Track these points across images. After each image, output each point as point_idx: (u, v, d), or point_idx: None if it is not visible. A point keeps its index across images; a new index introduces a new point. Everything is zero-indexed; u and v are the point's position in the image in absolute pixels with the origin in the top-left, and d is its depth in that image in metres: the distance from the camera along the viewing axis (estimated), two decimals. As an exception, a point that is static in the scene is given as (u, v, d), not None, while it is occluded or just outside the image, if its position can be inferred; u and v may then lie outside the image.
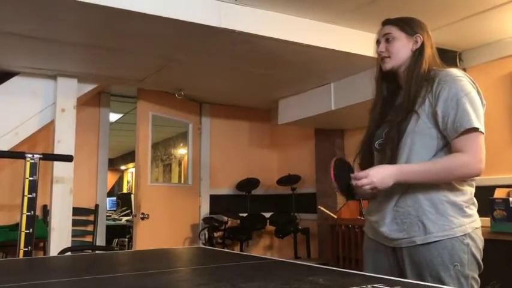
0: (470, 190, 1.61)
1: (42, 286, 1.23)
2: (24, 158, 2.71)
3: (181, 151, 7.97)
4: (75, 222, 3.80)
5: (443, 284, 1.49)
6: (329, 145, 4.74)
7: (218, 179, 5.16)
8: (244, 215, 4.90)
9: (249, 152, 5.40)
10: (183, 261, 1.89)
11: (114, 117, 5.87)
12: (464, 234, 1.54)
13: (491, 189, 2.93)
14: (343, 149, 4.72)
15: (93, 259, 2.06)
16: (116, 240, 6.67)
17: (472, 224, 1.57)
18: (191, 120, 5.00)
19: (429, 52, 1.67)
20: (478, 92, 1.60)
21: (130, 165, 11.19)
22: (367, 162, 1.74)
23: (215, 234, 4.78)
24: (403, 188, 1.60)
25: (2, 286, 1.24)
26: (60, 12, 2.52)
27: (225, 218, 4.82)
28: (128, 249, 5.90)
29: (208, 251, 2.25)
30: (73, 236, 3.70)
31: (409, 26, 1.70)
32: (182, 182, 6.68)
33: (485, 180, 3.12)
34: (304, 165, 5.04)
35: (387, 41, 1.70)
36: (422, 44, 1.67)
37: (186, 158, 5.56)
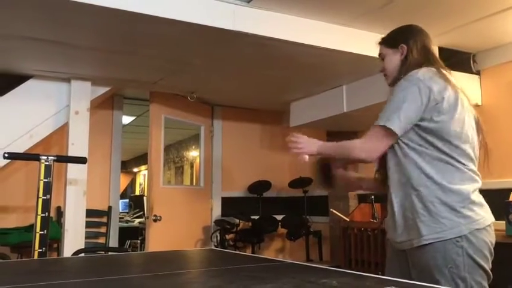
0: (466, 190, 1.58)
1: (56, 287, 1.25)
2: (38, 160, 2.74)
3: (193, 153, 8.00)
4: (88, 224, 3.83)
5: (440, 286, 1.48)
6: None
7: (230, 181, 5.16)
8: (256, 217, 4.90)
9: (261, 154, 5.39)
10: (195, 263, 1.89)
11: (127, 119, 5.91)
12: (459, 236, 1.53)
13: (507, 192, 2.89)
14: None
15: (106, 260, 2.08)
16: (128, 242, 6.71)
17: (469, 226, 1.55)
18: (203, 123, 5.02)
19: (414, 57, 1.73)
20: (429, 88, 1.60)
21: (143, 167, 11.26)
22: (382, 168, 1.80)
23: (227, 237, 4.78)
24: (403, 193, 1.64)
25: (18, 286, 1.25)
26: (74, 16, 2.55)
27: (237, 221, 4.82)
28: (141, 250, 5.93)
29: (220, 253, 2.26)
30: (86, 237, 3.74)
31: (393, 39, 1.81)
32: (194, 184, 6.70)
33: (500, 183, 3.09)
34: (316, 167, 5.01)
35: (382, 60, 1.84)
36: (407, 52, 1.75)
37: (198, 160, 5.58)
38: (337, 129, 4.68)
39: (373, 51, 3.10)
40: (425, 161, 1.60)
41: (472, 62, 3.54)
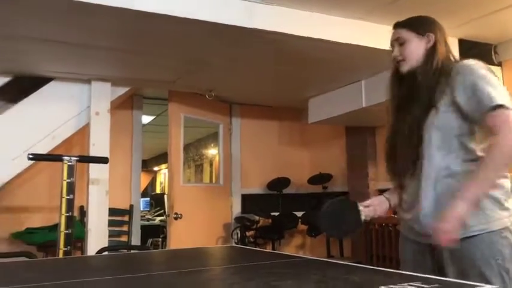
0: (506, 183, 1.58)
1: (82, 284, 1.27)
2: (61, 160, 2.79)
3: (212, 151, 8.05)
4: (110, 223, 3.90)
5: (486, 278, 1.47)
6: (361, 143, 4.68)
7: (249, 178, 5.18)
8: (276, 214, 4.91)
9: (280, 151, 5.40)
10: (216, 260, 1.91)
11: (146, 119, 5.98)
12: (503, 228, 1.52)
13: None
14: (375, 146, 4.65)
15: (129, 258, 2.11)
16: (150, 240, 6.79)
17: (511, 218, 1.55)
18: (222, 121, 5.04)
19: (442, 48, 1.68)
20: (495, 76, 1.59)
21: (163, 166, 11.37)
22: (393, 165, 1.74)
23: (247, 234, 4.80)
24: (444, 185, 1.58)
25: (45, 284, 1.29)
26: (93, 18, 2.59)
27: (257, 217, 4.84)
28: (162, 248, 5.99)
29: (241, 250, 2.27)
30: (109, 236, 3.80)
31: (419, 26, 1.72)
32: (214, 182, 6.74)
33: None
34: (335, 163, 5.00)
35: (400, 44, 1.73)
36: (435, 42, 1.68)
37: (217, 158, 5.61)
38: (356, 125, 4.65)
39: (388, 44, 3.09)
40: (472, 153, 1.57)
41: (493, 53, 3.47)
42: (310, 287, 1.03)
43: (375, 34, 3.08)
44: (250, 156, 5.22)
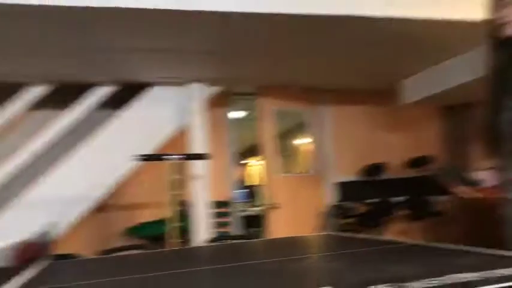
0: None
1: (195, 273, 1.39)
2: (167, 159, 3.01)
3: (302, 141, 8.07)
4: (214, 215, 4.10)
5: None
6: (459, 121, 4.43)
7: (342, 166, 5.13)
8: (373, 201, 4.82)
9: (373, 136, 5.27)
10: (316, 247, 1.95)
11: (237, 114, 6.17)
12: None
13: None
14: (473, 124, 4.37)
15: (234, 248, 2.23)
16: (250, 230, 6.99)
17: None
18: (311, 110, 5.05)
19: None
20: None
21: (255, 158, 11.63)
22: (494, 142, 1.64)
23: (344, 222, 4.78)
24: None
25: (162, 273, 1.42)
26: (184, 24, 2.75)
27: (353, 205, 4.79)
28: (260, 238, 6.16)
29: (341, 238, 2.29)
30: (212, 227, 4.01)
31: None
32: (306, 171, 6.77)
33: None
34: (433, 145, 4.78)
35: (505, 5, 1.59)
36: None
37: (307, 147, 5.63)
38: (454, 103, 4.41)
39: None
40: None
41: None
42: (422, 271, 1.03)
43: (468, 7, 2.90)
44: (342, 143, 5.17)
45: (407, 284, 0.87)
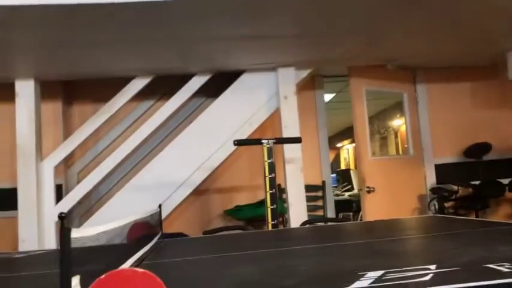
0: None
1: (295, 252, 1.42)
2: (261, 144, 3.08)
3: (397, 122, 7.79)
4: (307, 198, 4.14)
5: None
6: None
7: (442, 147, 4.88)
8: (477, 182, 4.53)
9: (474, 114, 4.93)
10: (422, 229, 1.89)
11: (327, 97, 6.11)
12: None
13: None
14: None
15: (331, 229, 2.25)
16: (341, 215, 6.96)
17: None
18: (405, 90, 4.85)
19: None
20: None
21: (346, 142, 11.46)
22: None
23: (446, 205, 4.56)
24: None
25: (264, 251, 1.48)
26: (271, 9, 2.78)
27: (455, 187, 4.55)
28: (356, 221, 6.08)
29: (445, 219, 2.20)
30: (306, 210, 4.05)
31: None
32: (402, 153, 6.53)
33: None
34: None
35: None
36: None
37: (403, 128, 5.42)
38: None
39: None
40: None
41: None
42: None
43: None
44: (441, 123, 4.90)
45: (526, 263, 0.82)
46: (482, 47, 4.06)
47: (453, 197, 4.52)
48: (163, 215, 3.54)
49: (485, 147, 4.64)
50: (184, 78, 4.03)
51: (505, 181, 4.45)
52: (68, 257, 0.68)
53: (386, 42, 3.65)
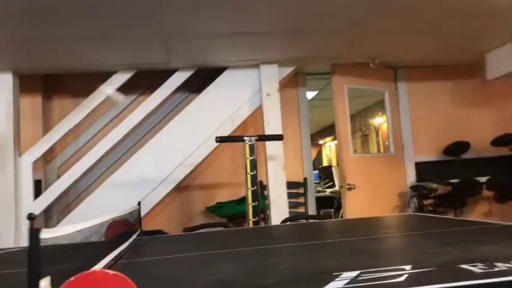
0: None
1: (276, 249, 1.43)
2: (243, 141, 3.08)
3: (378, 120, 7.86)
4: (288, 195, 4.16)
5: None
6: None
7: (422, 145, 4.95)
8: (456, 181, 4.61)
9: (454, 113, 5.01)
10: (399, 227, 1.91)
11: (310, 94, 6.13)
12: None
13: None
14: None
15: (312, 227, 2.26)
16: (322, 211, 7.01)
17: None
18: (387, 88, 4.89)
19: None
20: None
21: (328, 139, 11.53)
22: None
23: (425, 202, 4.62)
24: None
25: (245, 249, 1.48)
26: (255, 5, 2.77)
27: (434, 185, 4.61)
28: (335, 219, 6.13)
29: (424, 218, 2.23)
30: (288, 207, 4.06)
31: None
32: (383, 151, 6.60)
33: None
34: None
35: None
36: None
37: (384, 126, 5.47)
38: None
39: None
40: None
41: None
42: (507, 251, 0.99)
43: None
44: (421, 121, 4.97)
45: (499, 264, 0.84)
46: (462, 47, 4.12)
47: (432, 195, 4.58)
48: (144, 212, 3.52)
49: (463, 146, 4.71)
50: (167, 74, 4.00)
51: (483, 179, 4.53)
52: (36, 259, 0.66)
53: (369, 40, 3.67)
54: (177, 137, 3.90)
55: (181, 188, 4.34)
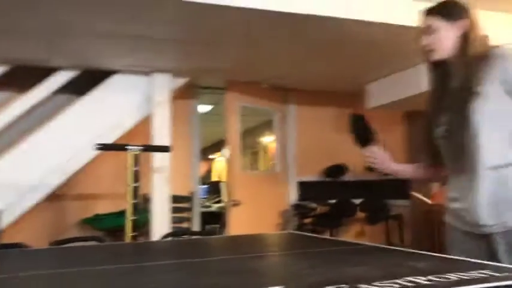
0: None
1: (149, 268, 1.34)
2: (126, 150, 2.91)
3: (267, 139, 8.09)
4: (172, 209, 4.04)
5: None
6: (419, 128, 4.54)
7: (305, 165, 5.17)
8: (334, 201, 4.88)
9: (336, 137, 5.32)
10: (278, 246, 1.93)
11: (204, 108, 6.11)
12: None
13: None
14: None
15: (192, 244, 2.19)
16: (208, 227, 6.95)
17: None
18: (277, 109, 5.05)
19: (475, 34, 1.60)
20: None
21: (219, 154, 11.58)
22: (430, 153, 1.74)
23: (305, 221, 4.81)
24: (495, 172, 1.53)
25: (116, 267, 1.37)
26: (155, 11, 2.68)
27: (314, 205, 4.83)
28: (220, 235, 6.13)
29: (302, 237, 2.29)
30: (171, 222, 3.94)
31: (450, 12, 1.64)
32: (270, 169, 6.78)
33: None
34: (394, 149, 4.87)
35: (430, 33, 1.65)
36: (467, 28, 1.60)
37: (272, 145, 5.63)
38: (417, 109, 4.50)
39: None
40: None
41: None
42: (378, 273, 1.03)
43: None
44: (306, 143, 5.20)
45: (363, 286, 0.86)
46: (346, 75, 4.42)
47: (312, 214, 4.79)
48: (7, 222, 3.15)
49: (342, 169, 5.03)
50: (49, 72, 3.68)
51: (357, 201, 4.86)
52: None
53: (261, 60, 3.76)
54: (53, 140, 3.58)
55: (55, 197, 3.98)
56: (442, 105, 1.66)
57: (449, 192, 1.72)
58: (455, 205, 1.67)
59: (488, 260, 1.55)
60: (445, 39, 1.62)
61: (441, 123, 1.66)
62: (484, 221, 1.54)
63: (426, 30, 1.66)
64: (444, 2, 1.69)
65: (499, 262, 1.51)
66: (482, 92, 1.52)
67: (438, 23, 1.63)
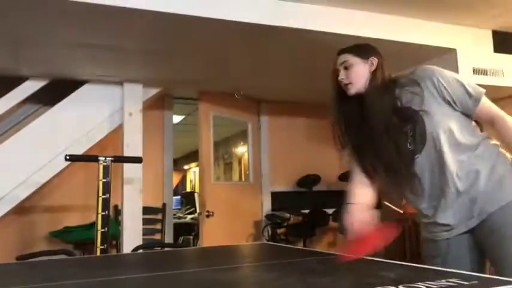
0: None
1: (118, 282, 1.31)
2: (97, 161, 2.87)
3: (241, 149, 8.09)
4: (144, 221, 3.98)
5: None
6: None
7: (278, 176, 5.19)
8: (307, 211, 4.90)
9: (309, 148, 5.37)
10: (250, 257, 1.93)
11: (177, 119, 6.07)
12: None
13: None
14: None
15: (164, 256, 2.16)
16: (181, 238, 6.88)
17: None
18: (250, 119, 5.07)
19: (384, 70, 1.78)
20: None
21: (193, 164, 11.51)
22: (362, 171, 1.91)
23: (278, 231, 4.82)
24: (475, 169, 1.63)
25: (85, 281, 1.33)
26: (126, 22, 2.66)
27: (288, 215, 4.84)
28: (193, 246, 6.07)
29: (274, 247, 2.28)
30: (143, 234, 3.88)
31: (362, 51, 1.81)
32: (243, 179, 6.78)
33: None
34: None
35: (346, 68, 1.80)
36: (378, 65, 1.77)
37: (246, 156, 5.64)
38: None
39: (427, 39, 3.05)
40: (473, 134, 1.68)
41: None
42: (346, 284, 1.04)
43: (410, 29, 3.04)
44: (279, 153, 5.23)
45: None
46: (318, 88, 4.46)
47: (285, 224, 4.80)
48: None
49: (315, 179, 5.06)
50: (18, 81, 3.59)
51: (330, 211, 4.90)
52: None
53: (233, 71, 3.77)
54: (21, 151, 3.48)
55: (23, 209, 3.87)
56: (371, 133, 1.78)
57: (421, 208, 1.81)
58: (427, 219, 1.78)
59: (479, 255, 1.65)
60: (361, 73, 1.77)
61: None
62: (466, 224, 1.64)
63: (342, 65, 1.81)
64: (357, 43, 1.86)
65: (490, 252, 1.60)
66: (428, 109, 1.64)
67: (353, 59, 1.79)
